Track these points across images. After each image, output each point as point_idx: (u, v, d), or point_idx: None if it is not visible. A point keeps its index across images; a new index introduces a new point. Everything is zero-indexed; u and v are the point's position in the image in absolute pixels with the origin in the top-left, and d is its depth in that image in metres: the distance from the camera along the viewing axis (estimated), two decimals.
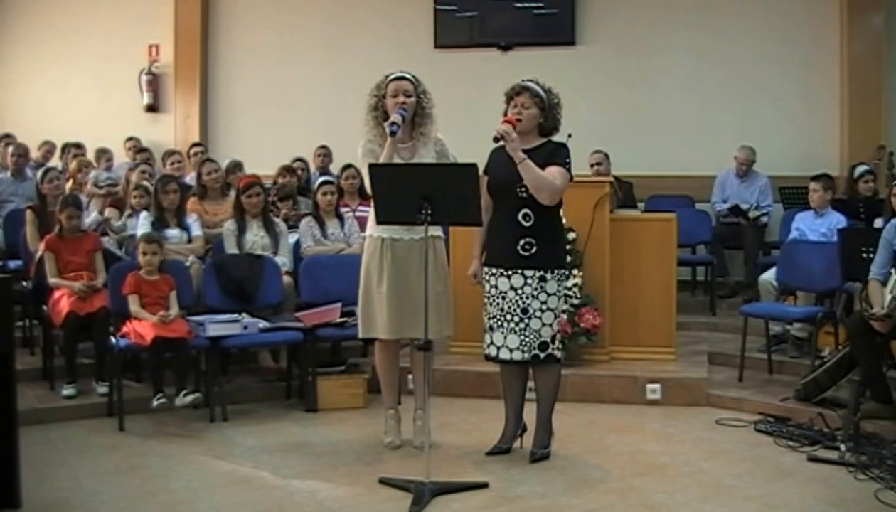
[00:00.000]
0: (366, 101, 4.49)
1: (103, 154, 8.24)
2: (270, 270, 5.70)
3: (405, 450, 4.55)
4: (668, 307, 5.91)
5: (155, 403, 4.92)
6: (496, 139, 4.18)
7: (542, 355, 4.29)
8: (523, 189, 4.16)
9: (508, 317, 4.27)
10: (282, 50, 9.20)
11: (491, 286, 4.33)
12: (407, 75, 4.47)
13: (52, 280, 5.51)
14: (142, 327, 5.01)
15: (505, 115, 4.29)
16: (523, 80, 4.32)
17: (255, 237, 5.93)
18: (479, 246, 4.43)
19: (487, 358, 4.44)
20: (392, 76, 4.46)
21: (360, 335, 4.63)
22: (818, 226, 6.30)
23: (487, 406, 5.11)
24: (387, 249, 4.42)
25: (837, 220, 6.23)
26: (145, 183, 6.39)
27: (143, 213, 5.97)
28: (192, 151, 8.23)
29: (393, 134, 4.25)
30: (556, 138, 4.35)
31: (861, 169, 6.92)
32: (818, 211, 6.34)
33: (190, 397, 4.95)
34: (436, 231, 4.46)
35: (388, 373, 4.65)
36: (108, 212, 6.42)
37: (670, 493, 3.97)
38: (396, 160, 4.36)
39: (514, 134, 4.14)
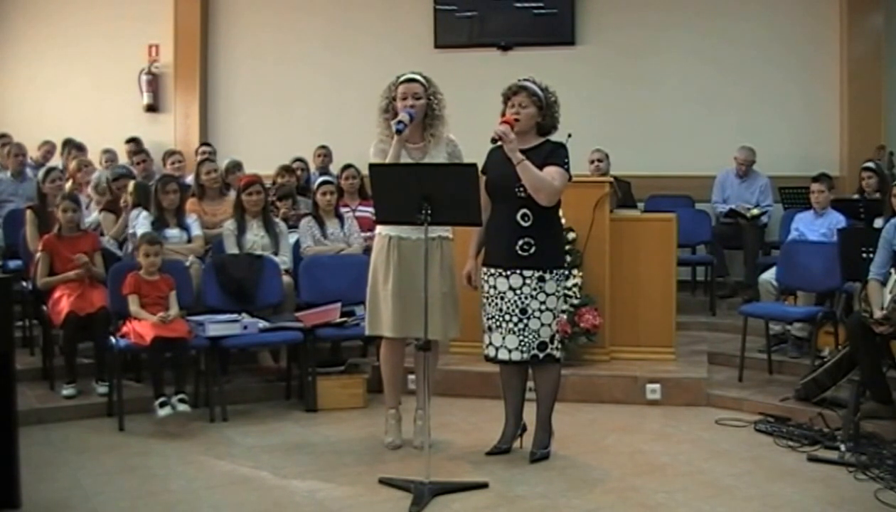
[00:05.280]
0: (377, 103, 4.47)
1: (105, 154, 8.24)
2: (270, 269, 5.70)
3: (405, 450, 4.55)
4: (667, 307, 5.91)
5: (161, 413, 4.84)
6: (494, 140, 4.17)
7: (541, 355, 4.29)
8: (522, 189, 4.15)
9: (507, 317, 4.27)
10: (282, 50, 9.21)
11: (490, 287, 4.32)
12: (417, 77, 4.43)
13: (41, 281, 5.51)
14: (142, 327, 5.01)
15: (503, 114, 4.28)
16: (520, 80, 4.31)
17: (255, 237, 5.93)
18: (476, 246, 4.42)
19: (487, 358, 4.43)
20: (402, 78, 4.43)
21: (367, 333, 4.63)
22: (818, 226, 6.31)
23: (487, 406, 5.11)
24: (394, 248, 4.41)
25: (837, 220, 6.24)
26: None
27: (144, 213, 5.97)
28: (199, 150, 8.23)
29: (399, 132, 4.23)
30: (555, 138, 4.34)
31: (865, 165, 6.94)
32: (818, 211, 6.35)
33: (181, 406, 4.90)
34: (445, 232, 4.46)
35: (393, 372, 4.64)
36: (102, 216, 6.42)
37: (670, 493, 3.97)
38: (407, 160, 4.35)
39: (512, 135, 4.13)
